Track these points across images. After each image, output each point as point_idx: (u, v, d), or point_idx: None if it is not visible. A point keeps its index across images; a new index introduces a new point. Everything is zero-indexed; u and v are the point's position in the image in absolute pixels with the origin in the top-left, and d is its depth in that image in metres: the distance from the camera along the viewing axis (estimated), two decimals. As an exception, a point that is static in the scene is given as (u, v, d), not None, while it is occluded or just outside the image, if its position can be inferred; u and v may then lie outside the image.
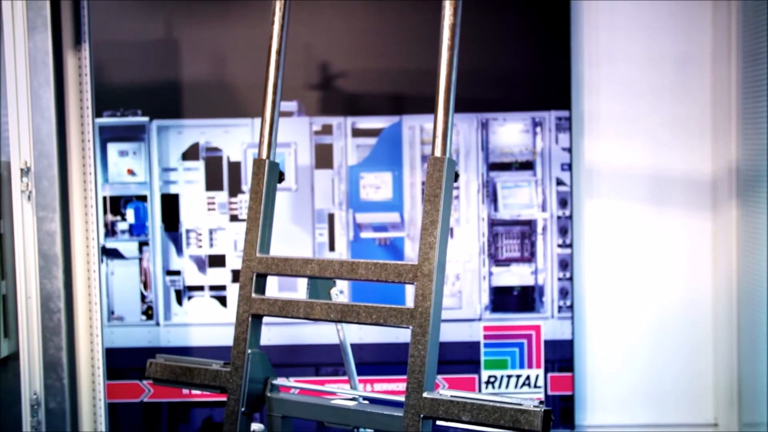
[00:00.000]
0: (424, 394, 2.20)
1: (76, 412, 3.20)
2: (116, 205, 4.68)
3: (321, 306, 2.41)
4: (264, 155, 2.56)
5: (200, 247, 4.70)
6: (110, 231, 4.68)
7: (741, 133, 4.51)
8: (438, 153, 2.28)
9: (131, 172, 4.68)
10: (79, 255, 3.19)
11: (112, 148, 4.68)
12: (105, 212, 4.67)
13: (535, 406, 2.10)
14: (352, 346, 2.76)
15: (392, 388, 4.62)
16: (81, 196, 3.17)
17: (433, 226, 2.26)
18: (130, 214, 4.68)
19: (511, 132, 4.67)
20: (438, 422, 2.20)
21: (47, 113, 2.93)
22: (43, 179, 3.04)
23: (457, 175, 2.32)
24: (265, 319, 2.56)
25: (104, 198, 4.66)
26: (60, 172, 3.10)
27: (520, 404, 2.11)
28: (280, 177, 2.59)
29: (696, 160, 4.74)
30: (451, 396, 2.19)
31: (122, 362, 4.66)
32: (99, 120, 4.62)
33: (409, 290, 4.60)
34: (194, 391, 4.66)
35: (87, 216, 3.17)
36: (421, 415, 2.20)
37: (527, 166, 4.67)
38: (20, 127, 2.82)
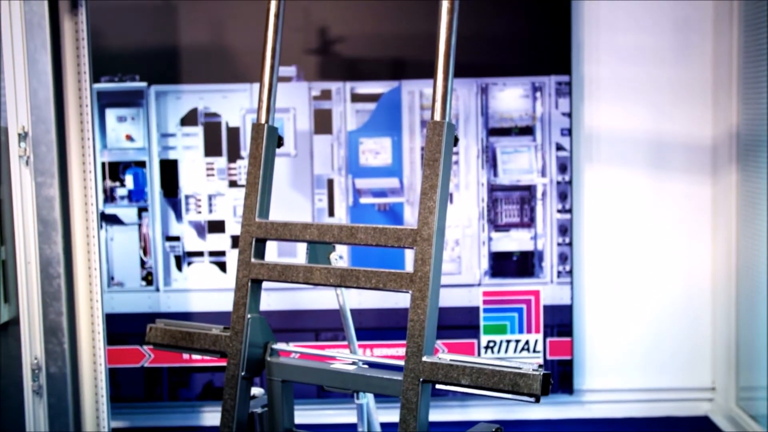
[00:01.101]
0: (424, 358, 2.21)
1: (77, 376, 3.21)
2: (115, 171, 4.67)
3: (320, 271, 2.41)
4: (263, 120, 2.55)
5: (199, 212, 4.70)
6: (109, 197, 4.67)
7: (742, 98, 4.49)
8: (437, 117, 2.27)
9: (129, 138, 4.67)
10: (78, 221, 3.18)
11: (110, 114, 4.66)
12: (104, 178, 4.66)
13: (534, 370, 2.10)
14: (352, 311, 2.76)
15: (392, 353, 4.63)
16: (79, 161, 3.16)
17: (432, 190, 2.25)
18: (128, 179, 4.67)
19: (510, 97, 4.65)
20: (437, 386, 2.20)
21: (44, 78, 2.91)
22: (41, 144, 3.02)
23: (456, 140, 2.31)
24: (265, 285, 2.57)
25: (103, 164, 4.65)
26: (58, 138, 3.09)
27: (519, 368, 2.12)
28: (279, 142, 2.58)
29: (696, 125, 4.72)
30: (451, 360, 2.20)
31: (122, 328, 4.67)
32: (97, 85, 4.60)
33: (409, 256, 4.61)
34: (194, 356, 4.68)
35: (85, 181, 3.16)
36: (421, 379, 2.21)
37: (527, 131, 4.66)
38: (17, 91, 2.80)
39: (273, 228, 2.47)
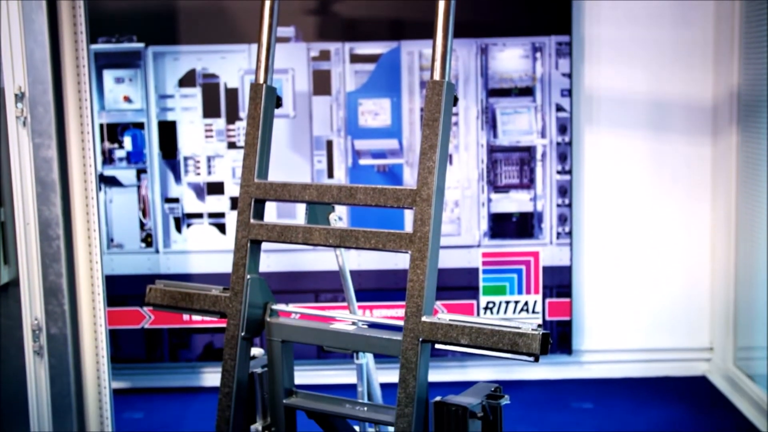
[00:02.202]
0: (423, 318, 2.21)
1: (77, 337, 3.22)
2: (113, 132, 4.65)
3: (319, 231, 2.40)
4: (261, 80, 2.53)
5: (198, 174, 4.69)
6: (108, 158, 4.66)
7: (743, 59, 4.46)
8: (437, 76, 2.25)
9: (127, 99, 4.65)
10: (76, 182, 3.17)
11: (108, 75, 4.63)
12: (102, 140, 4.64)
13: (533, 330, 2.10)
14: (352, 272, 2.76)
15: (391, 314, 4.65)
16: (77, 122, 3.14)
17: (431, 150, 2.24)
18: (127, 141, 4.66)
19: (510, 57, 4.62)
20: (437, 346, 2.21)
21: (40, 38, 2.89)
22: (38, 105, 3.01)
23: (456, 99, 2.29)
24: (265, 246, 2.56)
25: (101, 125, 4.64)
26: (55, 99, 3.07)
27: (519, 328, 2.12)
28: (278, 102, 2.57)
29: (697, 86, 4.70)
30: (450, 320, 2.20)
31: (122, 289, 4.68)
32: (94, 46, 4.56)
33: (408, 219, 4.60)
34: (194, 318, 4.70)
35: (84, 143, 3.14)
36: (420, 339, 2.21)
37: (527, 92, 4.64)
38: (13, 52, 2.78)
39: (272, 189, 2.47)
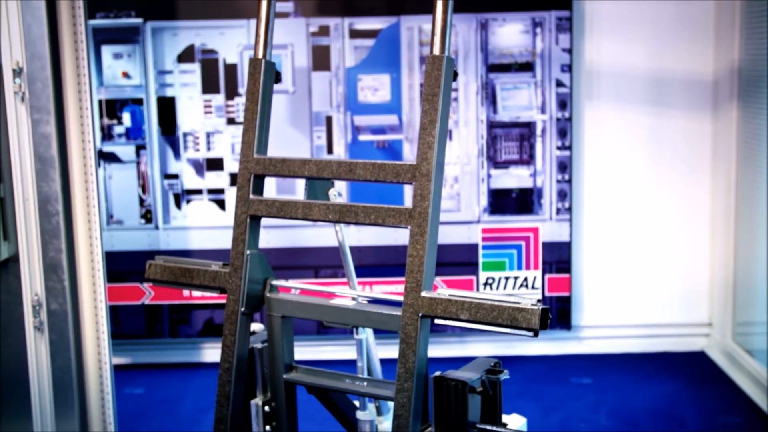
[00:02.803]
0: (423, 294, 2.21)
1: (77, 313, 3.23)
2: (112, 108, 4.64)
3: (319, 207, 2.40)
4: (260, 55, 2.52)
5: (198, 150, 4.68)
6: (107, 135, 4.65)
7: (744, 34, 4.44)
8: (436, 51, 2.24)
9: (126, 75, 4.63)
10: (75, 158, 3.16)
11: (106, 51, 4.61)
12: (101, 116, 4.63)
13: (532, 305, 2.10)
14: (351, 248, 2.76)
15: (391, 289, 4.66)
16: (75, 98, 3.13)
17: (431, 125, 2.23)
18: (126, 117, 4.65)
19: (510, 33, 4.60)
20: (436, 321, 2.21)
21: (38, 13, 2.87)
22: (37, 81, 3.00)
23: (455, 74, 2.28)
24: (264, 222, 2.56)
25: (100, 101, 4.62)
26: (53, 74, 3.06)
27: (518, 302, 2.12)
28: (277, 77, 2.56)
29: (697, 62, 4.68)
30: (450, 295, 2.20)
31: (122, 265, 4.69)
32: (92, 21, 4.54)
33: (408, 196, 4.60)
34: (194, 294, 4.71)
35: (82, 118, 3.13)
36: (420, 314, 2.21)
37: (527, 67, 4.62)
38: (10, 27, 2.76)
39: (271, 164, 2.46)
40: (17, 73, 2.58)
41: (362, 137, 4.64)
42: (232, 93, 4.64)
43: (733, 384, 4.40)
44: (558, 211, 4.69)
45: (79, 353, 3.25)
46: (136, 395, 4.42)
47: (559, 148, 4.66)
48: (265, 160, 2.47)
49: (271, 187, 4.63)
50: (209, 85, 4.64)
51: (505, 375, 2.35)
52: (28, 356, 2.67)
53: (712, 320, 4.86)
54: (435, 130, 2.22)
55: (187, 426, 4.04)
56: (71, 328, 3.19)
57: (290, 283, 2.59)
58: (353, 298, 2.49)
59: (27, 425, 2.89)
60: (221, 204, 4.70)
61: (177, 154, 4.68)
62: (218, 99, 4.64)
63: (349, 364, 2.72)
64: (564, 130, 4.65)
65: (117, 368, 4.39)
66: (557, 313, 4.74)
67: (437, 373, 2.28)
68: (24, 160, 2.61)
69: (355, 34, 4.59)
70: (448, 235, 4.65)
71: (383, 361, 2.81)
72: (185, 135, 4.67)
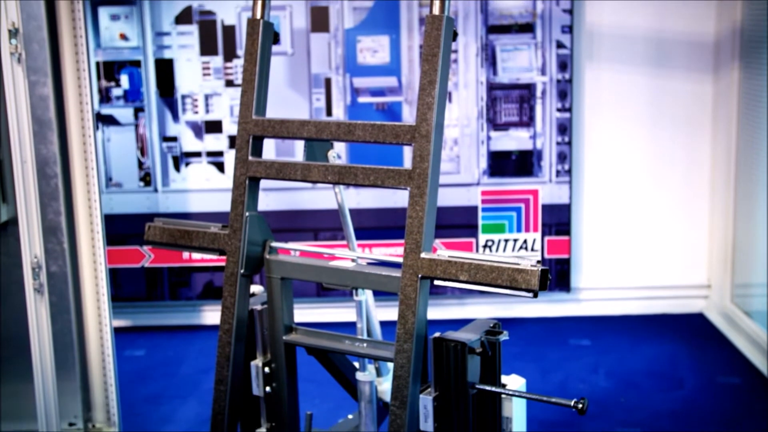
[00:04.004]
0: (422, 255, 2.21)
1: (77, 276, 3.23)
2: (110, 70, 4.61)
3: (318, 168, 2.39)
4: (258, 15, 2.50)
5: (196, 113, 4.66)
6: (105, 97, 4.63)
7: (746, -7, 4.41)
8: (436, 11, 2.22)
9: (124, 37, 4.60)
10: (73, 120, 3.15)
11: (103, 12, 4.58)
12: (99, 78, 4.61)
13: (532, 266, 2.10)
14: (351, 211, 2.76)
15: (390, 252, 4.66)
16: (72, 60, 3.11)
17: (431, 86, 2.22)
18: (124, 79, 4.62)
19: (511, -7, 4.57)
20: (436, 282, 2.22)
21: (34, -27, 2.85)
22: (33, 42, 2.98)
23: (455, 35, 2.27)
24: (264, 185, 2.56)
25: (97, 63, 4.60)
26: (50, 36, 3.04)
27: (518, 263, 2.12)
28: (275, 38, 2.54)
29: (699, 22, 4.65)
30: (449, 256, 2.20)
31: (122, 228, 4.69)
32: (88, -18, 4.50)
33: (407, 159, 4.59)
34: (194, 256, 4.71)
35: (80, 80, 3.11)
36: (419, 275, 2.21)
37: (527, 28, 4.59)
38: (7, -13, 2.74)
39: (270, 125, 2.45)
40: (13, 34, 2.56)
41: (361, 99, 4.62)
42: (230, 55, 4.61)
43: (732, 345, 4.42)
44: (558, 173, 4.68)
45: (79, 315, 3.26)
46: (137, 357, 4.44)
47: (559, 110, 4.64)
48: (264, 122, 2.46)
49: (270, 152, 4.62)
50: (207, 47, 4.61)
51: (504, 336, 2.36)
52: (29, 318, 2.68)
53: (710, 282, 4.87)
54: (434, 91, 2.21)
55: (188, 387, 4.06)
56: (71, 291, 3.20)
57: (290, 245, 2.60)
58: (353, 260, 2.49)
59: (28, 387, 2.90)
60: (220, 167, 4.69)
61: (175, 117, 4.66)
62: (216, 61, 4.62)
63: (349, 326, 2.73)
64: (564, 91, 4.63)
65: (117, 331, 4.41)
66: (556, 275, 4.75)
67: (437, 334, 2.29)
68: (21, 122, 2.60)
69: (354, -6, 4.56)
70: (447, 198, 4.64)
71: (383, 324, 2.82)
72: (183, 97, 4.65)
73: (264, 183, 2.54)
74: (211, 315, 4.84)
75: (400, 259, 2.25)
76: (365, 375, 2.63)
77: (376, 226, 4.68)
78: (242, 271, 2.49)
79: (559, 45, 4.58)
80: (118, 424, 3.33)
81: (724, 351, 4.37)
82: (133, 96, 4.63)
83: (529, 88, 4.63)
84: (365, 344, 2.48)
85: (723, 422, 3.62)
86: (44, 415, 2.71)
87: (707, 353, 4.35)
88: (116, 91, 4.63)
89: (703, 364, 4.21)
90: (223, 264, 2.52)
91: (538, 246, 4.71)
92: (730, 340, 4.48)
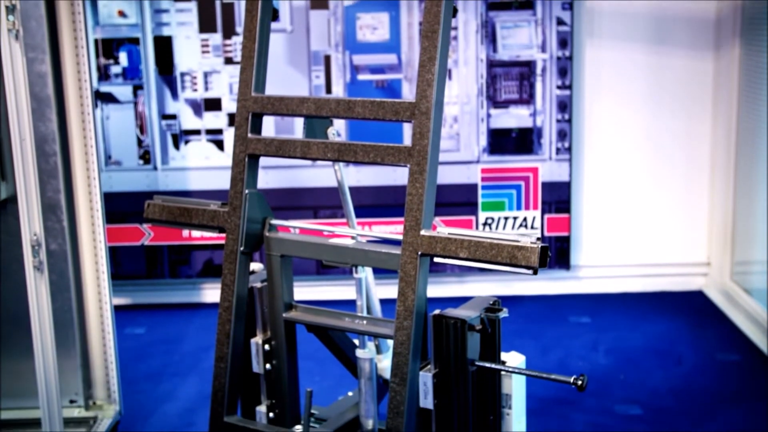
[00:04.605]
0: (422, 232, 2.21)
1: (77, 254, 3.23)
2: (108, 48, 4.59)
3: (318, 145, 2.39)
4: (257, -9, 2.48)
5: (195, 90, 4.65)
6: (103, 75, 4.61)
7: (748, -30, 4.38)
8: (436, -13, 2.21)
9: (122, 14, 4.57)
10: (72, 98, 3.13)
11: (102, -11, 4.55)
12: (97, 56, 4.59)
13: (532, 243, 2.10)
14: (350, 189, 2.75)
15: (390, 230, 4.66)
16: (71, 37, 3.09)
17: (430, 63, 2.21)
18: (122, 57, 4.60)
19: (511, -30, 4.54)
20: (436, 259, 2.21)
21: (31, -52, 2.83)
22: (31, 19, 2.96)
23: (455, 11, 2.26)
24: (263, 163, 2.55)
25: (96, 41, 4.58)
26: (48, 12, 3.02)
27: (518, 240, 2.12)
28: (274, 14, 2.52)
29: (700, -1, 4.63)
30: (449, 233, 2.20)
31: (121, 206, 4.68)
32: (86, -41, 4.47)
33: (407, 136, 4.58)
34: (194, 234, 4.71)
35: (78, 57, 3.09)
36: (419, 252, 2.21)
37: (527, 5, 4.56)
38: (4, -37, 2.72)
39: (269, 102, 2.44)
40: (11, 10, 2.54)
41: (361, 77, 4.60)
42: (229, 32, 4.59)
43: (731, 323, 4.43)
44: (558, 150, 4.67)
45: (79, 293, 3.26)
46: (137, 335, 4.45)
47: (559, 87, 4.62)
48: (263, 99, 2.45)
49: (270, 131, 4.60)
50: (206, 24, 4.59)
51: (504, 313, 2.36)
52: (29, 296, 2.68)
53: (710, 259, 4.88)
54: (434, 68, 2.20)
55: (188, 365, 4.07)
56: (71, 268, 3.20)
57: (289, 222, 2.59)
58: (352, 237, 2.49)
59: (29, 365, 2.90)
60: (219, 144, 4.68)
61: (174, 95, 4.64)
62: (215, 38, 4.60)
63: (349, 304, 2.74)
64: (564, 69, 4.61)
65: (118, 308, 4.42)
66: (556, 253, 4.75)
67: (436, 312, 2.29)
68: (20, 100, 2.58)
69: (353, -29, 4.53)
70: (447, 175, 4.64)
71: (383, 302, 2.82)
72: (182, 75, 4.63)
73: (263, 161, 2.54)
74: (211, 293, 4.84)
75: (400, 237, 2.25)
76: (365, 352, 2.63)
77: (375, 203, 4.67)
78: (242, 248, 2.48)
79: (560, 22, 4.56)
80: (119, 402, 3.34)
81: (724, 328, 4.38)
82: (132, 74, 4.62)
83: (529, 65, 4.61)
84: (365, 321, 2.49)
85: (722, 399, 3.63)
86: (45, 393, 2.71)
87: (707, 331, 4.35)
88: (115, 69, 4.61)
89: (703, 342, 4.22)
90: (222, 242, 2.51)
91: (537, 224, 4.70)
92: (730, 317, 4.49)
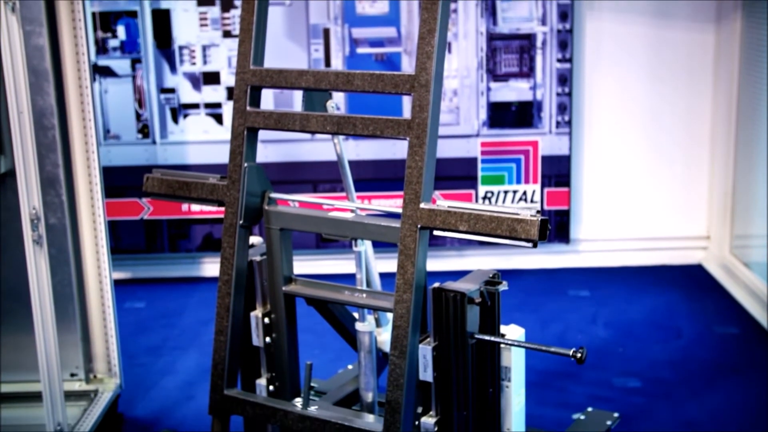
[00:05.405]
0: (422, 205, 2.21)
1: (76, 228, 3.22)
2: (106, 21, 4.57)
3: (317, 118, 2.38)
4: (255, -37, 2.47)
5: (194, 64, 4.63)
6: (101, 48, 4.59)
7: (749, -59, 4.35)
8: (435, -42, 2.19)
9: (120, -13, 4.55)
10: (69, 71, 3.12)
11: (99, -38, 4.52)
12: (95, 29, 4.56)
13: (531, 216, 2.10)
14: (350, 163, 2.74)
15: (390, 203, 4.66)
16: (68, 9, 3.07)
17: (430, 35, 2.20)
18: (120, 30, 4.58)
19: (511, -59, 4.51)
20: (435, 232, 2.21)
21: None
22: (28, -9, 2.95)
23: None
24: (263, 137, 2.54)
25: (93, 14, 4.55)
26: (44, -16, 3.01)
27: (517, 213, 2.12)
28: (273, -14, 2.51)
29: (701, -30, 4.60)
30: (449, 207, 2.20)
31: (121, 180, 4.67)
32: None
33: (407, 110, 4.56)
34: (193, 208, 4.71)
35: (75, 30, 3.07)
36: (419, 225, 2.21)
37: (527, -23, 4.53)
38: (0, -66, 2.70)
39: (268, 75, 2.43)
40: (7, -18, 2.53)
41: (360, 50, 4.58)
42: (227, 5, 4.56)
43: (730, 296, 4.44)
44: (558, 124, 4.66)
45: (79, 267, 3.26)
46: (137, 309, 4.45)
47: (559, 60, 4.60)
48: (262, 71, 2.44)
49: (269, 106, 4.59)
50: (204, -3, 4.56)
51: (503, 286, 2.36)
52: (29, 270, 2.68)
53: (710, 233, 4.88)
54: (434, 40, 2.19)
55: (188, 338, 4.08)
56: (70, 243, 3.20)
57: (289, 195, 2.59)
58: (352, 211, 2.49)
59: (29, 339, 2.91)
60: (219, 118, 4.66)
61: (173, 68, 4.62)
62: (214, 11, 4.57)
63: (349, 278, 2.74)
64: (564, 42, 4.59)
65: (117, 283, 4.42)
66: (556, 227, 4.75)
67: (436, 285, 2.30)
68: (17, 72, 2.57)
69: (352, -57, 4.50)
70: (446, 149, 4.63)
71: (382, 276, 2.82)
72: (181, 48, 4.61)
73: (263, 135, 2.53)
74: (211, 267, 4.85)
75: (400, 210, 2.25)
76: (365, 325, 2.64)
77: (375, 177, 4.66)
78: (241, 222, 2.48)
79: (560, -6, 4.53)
80: (120, 375, 3.35)
81: (723, 302, 4.39)
82: (130, 47, 4.59)
83: (530, 38, 4.59)
84: (365, 295, 2.49)
85: (721, 372, 3.64)
86: (45, 366, 2.72)
87: (706, 304, 4.36)
88: (113, 42, 4.59)
89: (702, 315, 4.22)
90: (222, 216, 2.51)
91: (537, 197, 4.70)
92: (729, 291, 4.49)
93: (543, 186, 4.69)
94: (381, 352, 2.77)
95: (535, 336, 3.94)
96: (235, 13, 4.56)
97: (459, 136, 4.65)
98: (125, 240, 4.76)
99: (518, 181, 4.68)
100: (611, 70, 4.70)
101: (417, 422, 2.34)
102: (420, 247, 2.22)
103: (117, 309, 3.34)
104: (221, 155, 4.62)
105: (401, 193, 2.23)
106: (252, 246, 2.62)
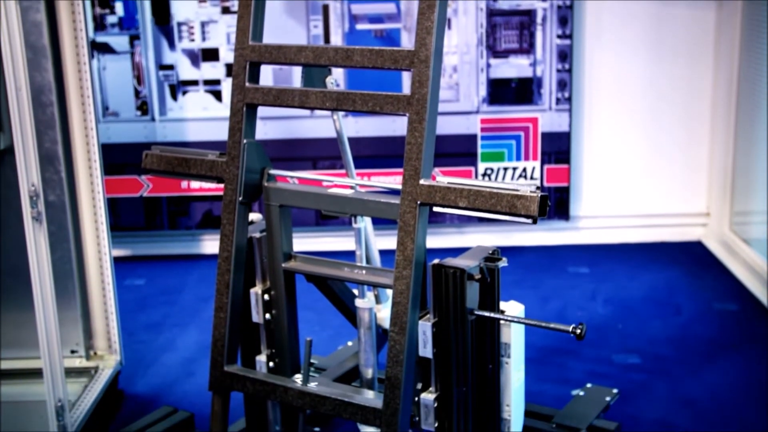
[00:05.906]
0: (421, 181, 2.20)
1: (75, 205, 3.22)
2: (104, -3, 4.55)
3: (316, 94, 2.37)
4: (253, -62, 2.45)
5: (193, 40, 4.61)
6: (99, 24, 4.56)
7: None
8: (435, -68, 2.17)
9: (117, -37, 4.52)
10: (68, 48, 3.10)
11: (96, -63, 4.49)
12: (93, 5, 4.54)
13: (531, 192, 2.10)
14: (349, 140, 2.74)
15: (389, 180, 4.65)
16: (66, -15, 3.06)
17: (430, 10, 2.18)
18: (118, 6, 4.55)
19: None
20: (435, 208, 2.21)
21: None
22: (25, -33, 2.93)
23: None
24: (262, 114, 2.53)
25: (91, -10, 4.53)
26: (42, -40, 2.99)
27: (517, 190, 2.11)
28: (271, -39, 2.49)
29: (703, -54, 4.58)
30: (448, 183, 2.19)
31: (120, 158, 4.67)
32: None
33: (406, 87, 4.55)
34: (193, 185, 4.70)
35: (73, 6, 3.06)
36: (418, 202, 2.21)
37: (528, -48, 4.51)
38: None
39: (267, 51, 2.42)
40: (4, -42, 2.51)
41: (360, 26, 4.56)
42: (226, -19, 4.54)
43: (729, 273, 4.44)
44: (558, 101, 4.64)
45: (78, 244, 3.26)
46: (137, 286, 4.46)
47: (559, 36, 4.58)
48: (261, 47, 2.43)
49: (268, 83, 4.57)
50: (203, -27, 4.54)
51: (503, 262, 2.36)
52: (28, 247, 2.67)
53: (709, 210, 4.88)
54: (434, 15, 2.17)
55: (188, 315, 4.09)
56: (70, 220, 3.19)
57: (288, 172, 2.58)
58: (351, 187, 2.48)
59: (29, 316, 2.91)
60: (217, 95, 4.65)
61: (172, 45, 4.60)
62: (212, -13, 4.55)
63: (348, 255, 2.74)
64: (565, 18, 4.56)
65: (117, 260, 4.42)
66: (555, 204, 4.75)
67: (436, 261, 2.29)
68: (15, 49, 2.55)
69: None
70: (446, 126, 4.62)
71: (382, 253, 2.82)
72: (180, 24, 4.59)
73: (262, 111, 2.52)
74: (211, 244, 4.85)
75: (399, 187, 2.24)
76: (364, 302, 2.64)
77: (374, 154, 4.66)
78: (240, 198, 2.48)
79: (561, -30, 4.50)
80: (120, 352, 3.35)
81: (722, 278, 4.39)
82: (128, 23, 4.57)
83: (530, 14, 4.56)
84: (364, 271, 2.49)
85: (720, 348, 3.65)
86: (45, 343, 2.72)
87: (705, 281, 4.37)
88: (111, 19, 4.57)
89: (701, 292, 4.23)
90: (221, 193, 2.50)
91: (537, 174, 4.69)
92: (729, 267, 4.50)
93: (543, 163, 4.68)
94: (381, 328, 2.78)
95: (535, 312, 3.94)
96: (234, -11, 4.53)
97: (459, 112, 4.64)
98: (125, 217, 4.76)
99: (518, 158, 4.67)
100: (611, 46, 4.68)
101: (417, 398, 2.34)
102: (420, 224, 2.22)
103: (117, 286, 3.34)
104: (220, 132, 4.61)
105: (401, 169, 2.23)
106: (251, 223, 2.62)
